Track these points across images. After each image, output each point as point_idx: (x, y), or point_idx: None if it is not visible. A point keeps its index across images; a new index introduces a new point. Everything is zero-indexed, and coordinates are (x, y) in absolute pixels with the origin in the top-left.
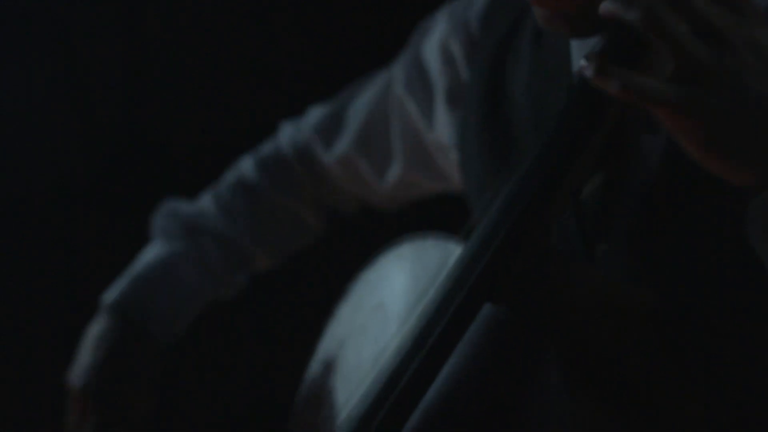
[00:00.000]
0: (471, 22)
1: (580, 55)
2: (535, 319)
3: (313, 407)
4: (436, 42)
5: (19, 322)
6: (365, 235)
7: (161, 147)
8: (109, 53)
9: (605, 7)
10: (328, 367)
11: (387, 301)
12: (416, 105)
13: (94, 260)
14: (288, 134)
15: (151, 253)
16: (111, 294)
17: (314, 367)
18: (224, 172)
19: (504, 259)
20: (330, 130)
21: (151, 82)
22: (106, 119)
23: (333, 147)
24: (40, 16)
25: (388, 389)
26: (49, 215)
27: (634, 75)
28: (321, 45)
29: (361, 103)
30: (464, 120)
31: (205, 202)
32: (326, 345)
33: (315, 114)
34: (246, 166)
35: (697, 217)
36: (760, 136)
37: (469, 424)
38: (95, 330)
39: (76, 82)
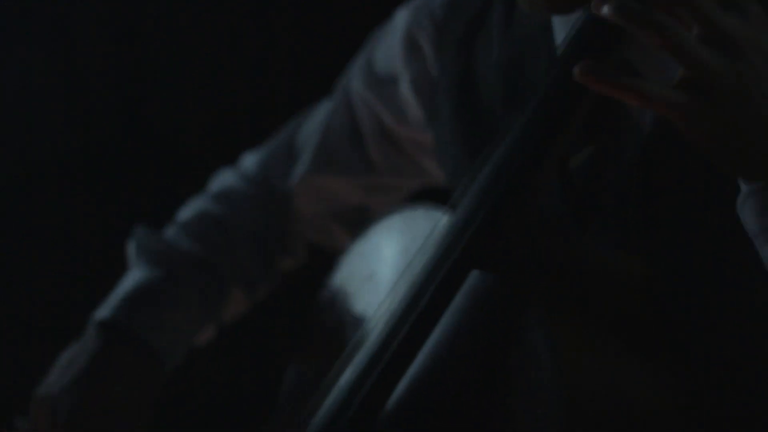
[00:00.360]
0: (436, 10)
1: (562, 28)
2: (522, 286)
3: (306, 377)
4: (399, 38)
5: (11, 310)
6: None
7: (157, 131)
8: (105, 38)
9: (610, 14)
10: (320, 338)
11: (378, 272)
12: (384, 106)
13: (88, 245)
14: (233, 176)
15: (139, 275)
16: (102, 312)
17: (306, 340)
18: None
19: (491, 227)
20: (282, 162)
21: (146, 66)
22: (102, 104)
23: (291, 175)
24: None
25: (376, 357)
26: (43, 200)
27: (642, 81)
28: (317, 32)
29: (311, 127)
30: (436, 108)
31: (175, 233)
32: (318, 317)
33: (255, 156)
34: (203, 203)
35: (689, 188)
36: (757, 133)
37: (456, 389)
38: (79, 347)
39: (71, 67)
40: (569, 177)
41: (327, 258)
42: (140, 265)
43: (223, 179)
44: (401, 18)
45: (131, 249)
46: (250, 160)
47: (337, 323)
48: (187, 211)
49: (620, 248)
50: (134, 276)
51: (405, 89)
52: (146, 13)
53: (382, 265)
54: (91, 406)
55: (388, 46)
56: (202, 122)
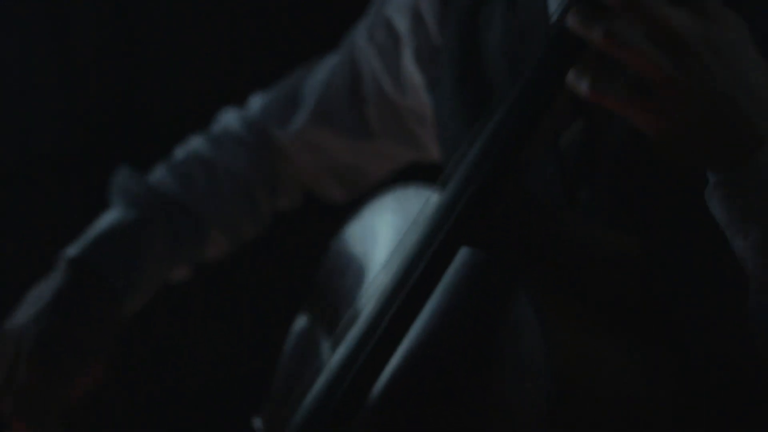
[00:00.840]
0: None
1: (556, 4)
2: (512, 262)
3: (299, 357)
4: (405, 5)
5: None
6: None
7: (150, 116)
8: (102, 30)
9: (569, 24)
10: (315, 320)
11: (371, 252)
12: (387, 73)
13: (79, 223)
14: (235, 117)
15: (114, 216)
16: (72, 250)
17: (301, 319)
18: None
19: (480, 204)
20: (284, 108)
21: (143, 57)
22: (98, 97)
23: (290, 124)
24: None
25: (367, 336)
26: (39, 193)
27: (602, 79)
28: (316, 25)
29: (317, 78)
30: (437, 81)
31: (162, 174)
32: (312, 298)
33: (261, 99)
34: (198, 143)
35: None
36: (719, 132)
37: (446, 366)
38: (47, 283)
39: (67, 59)
40: (560, 153)
41: (320, 242)
42: (118, 205)
43: (226, 119)
44: None
45: (111, 187)
46: (256, 103)
47: (331, 304)
48: (181, 151)
49: (612, 225)
50: (109, 216)
51: (407, 58)
52: (143, 5)
53: (375, 245)
54: (53, 339)
55: (396, 10)
56: (200, 113)
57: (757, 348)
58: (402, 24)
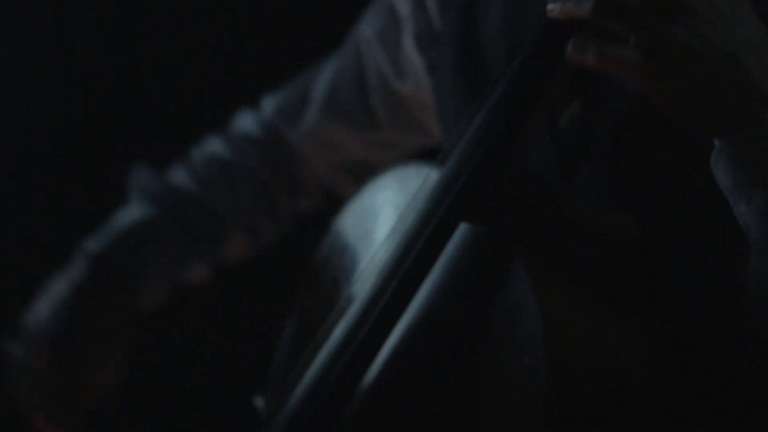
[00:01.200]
0: None
1: None
2: (510, 238)
3: (299, 336)
4: None
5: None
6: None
7: (151, 116)
8: (100, 22)
9: (555, 11)
10: (315, 298)
11: (372, 230)
12: (387, 57)
13: (81, 217)
14: (250, 119)
15: (134, 213)
16: (92, 245)
17: (302, 298)
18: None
19: (479, 180)
20: (295, 108)
21: (142, 51)
22: (96, 89)
23: (301, 123)
24: None
25: (367, 312)
26: (37, 186)
27: (608, 45)
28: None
29: (325, 76)
30: (437, 65)
31: (180, 174)
32: (313, 276)
33: (274, 99)
34: (214, 145)
35: (675, 142)
36: (726, 93)
37: (446, 340)
38: (66, 276)
39: (65, 52)
40: (558, 132)
41: (321, 223)
42: (137, 202)
43: (242, 121)
44: None
45: (130, 184)
46: (269, 104)
47: (331, 282)
48: (198, 151)
49: (609, 203)
50: (129, 213)
51: (408, 41)
52: (144, 5)
53: (375, 223)
54: (72, 332)
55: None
56: (201, 113)
57: (756, 321)
58: (403, 7)
